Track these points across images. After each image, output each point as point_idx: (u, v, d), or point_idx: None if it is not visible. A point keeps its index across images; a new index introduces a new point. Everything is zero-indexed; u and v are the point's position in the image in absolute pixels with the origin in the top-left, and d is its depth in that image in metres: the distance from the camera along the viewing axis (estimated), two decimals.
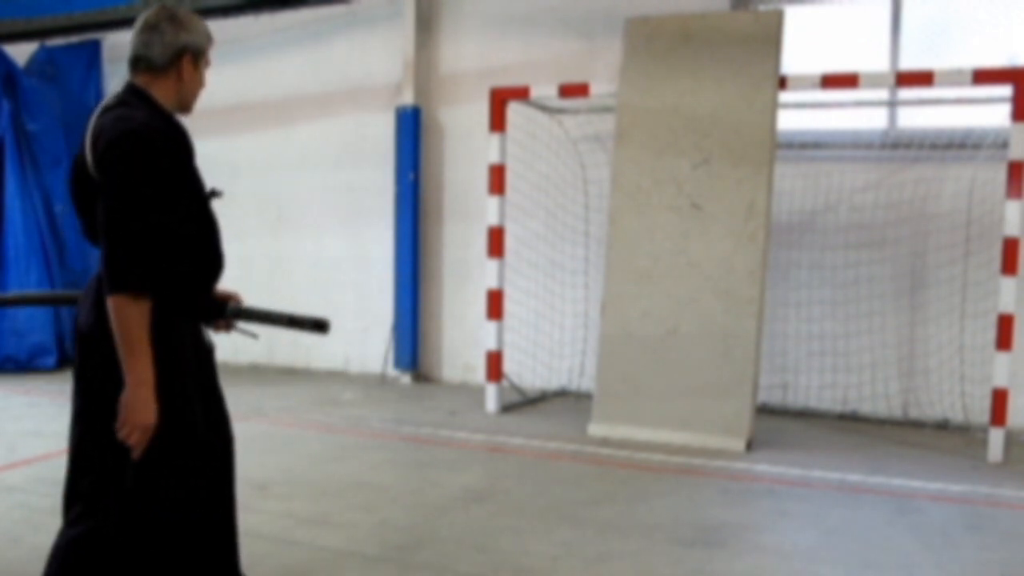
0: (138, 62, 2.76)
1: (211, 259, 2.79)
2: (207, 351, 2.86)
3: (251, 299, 3.00)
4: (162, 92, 2.75)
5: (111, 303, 2.49)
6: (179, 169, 2.64)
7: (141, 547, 2.62)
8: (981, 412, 6.32)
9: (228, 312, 2.88)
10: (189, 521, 2.70)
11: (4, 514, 4.59)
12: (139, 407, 2.49)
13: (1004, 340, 5.86)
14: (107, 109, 2.67)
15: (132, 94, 2.73)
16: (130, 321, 2.49)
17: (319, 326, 2.95)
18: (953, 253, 6.81)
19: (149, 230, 2.49)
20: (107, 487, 2.59)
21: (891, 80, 6.39)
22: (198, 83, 2.84)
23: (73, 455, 2.70)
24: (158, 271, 2.53)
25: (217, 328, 2.94)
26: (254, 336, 2.98)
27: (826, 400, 7.15)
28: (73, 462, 2.70)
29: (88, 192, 2.64)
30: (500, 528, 4.46)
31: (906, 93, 6.89)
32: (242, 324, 2.97)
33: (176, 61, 2.74)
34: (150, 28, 2.73)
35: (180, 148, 2.67)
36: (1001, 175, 5.96)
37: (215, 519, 2.83)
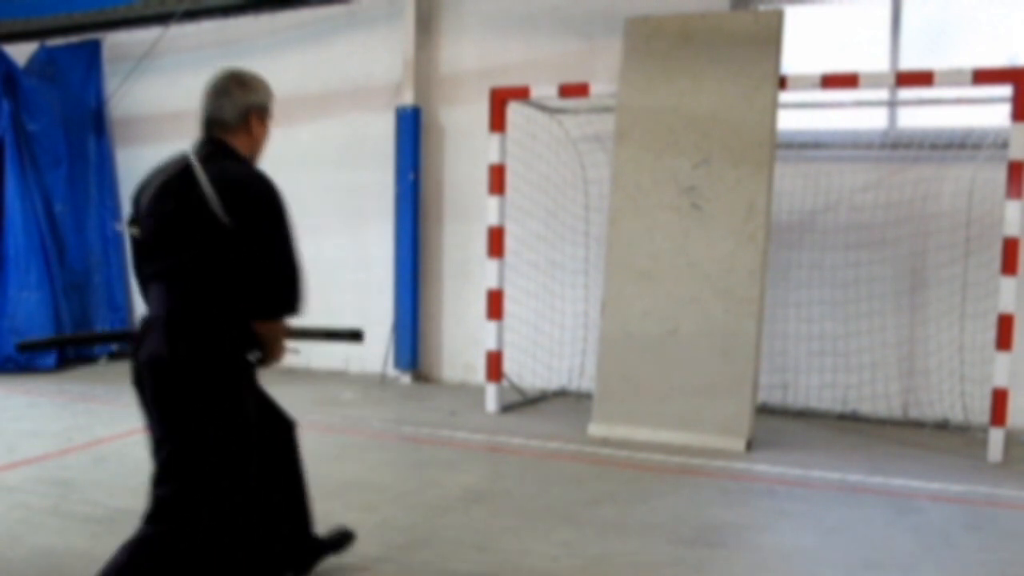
0: (213, 124, 3.13)
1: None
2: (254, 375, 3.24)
3: None
4: (237, 146, 3.14)
5: (265, 327, 3.04)
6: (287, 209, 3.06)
7: (212, 545, 2.96)
8: (981, 412, 6.32)
9: None
10: (264, 507, 3.26)
11: (4, 514, 4.59)
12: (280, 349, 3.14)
13: (1004, 340, 5.86)
14: (207, 159, 2.99)
15: (223, 147, 3.10)
16: (279, 334, 3.12)
17: (355, 336, 3.39)
18: (953, 253, 6.81)
19: (297, 262, 3.01)
20: (189, 496, 2.90)
21: (891, 80, 6.39)
22: (264, 135, 3.25)
23: (156, 471, 2.97)
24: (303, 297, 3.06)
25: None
26: (296, 352, 3.34)
27: (826, 400, 7.15)
28: (154, 477, 2.97)
29: (174, 232, 2.93)
30: (500, 528, 4.46)
31: (906, 93, 6.89)
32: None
33: (246, 119, 3.14)
34: (220, 93, 3.13)
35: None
36: (1001, 175, 5.96)
37: (286, 497, 3.48)
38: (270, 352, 3.11)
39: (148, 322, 2.97)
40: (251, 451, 3.01)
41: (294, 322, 3.18)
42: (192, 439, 2.88)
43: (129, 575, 2.86)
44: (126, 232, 3.11)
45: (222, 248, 2.89)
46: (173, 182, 2.96)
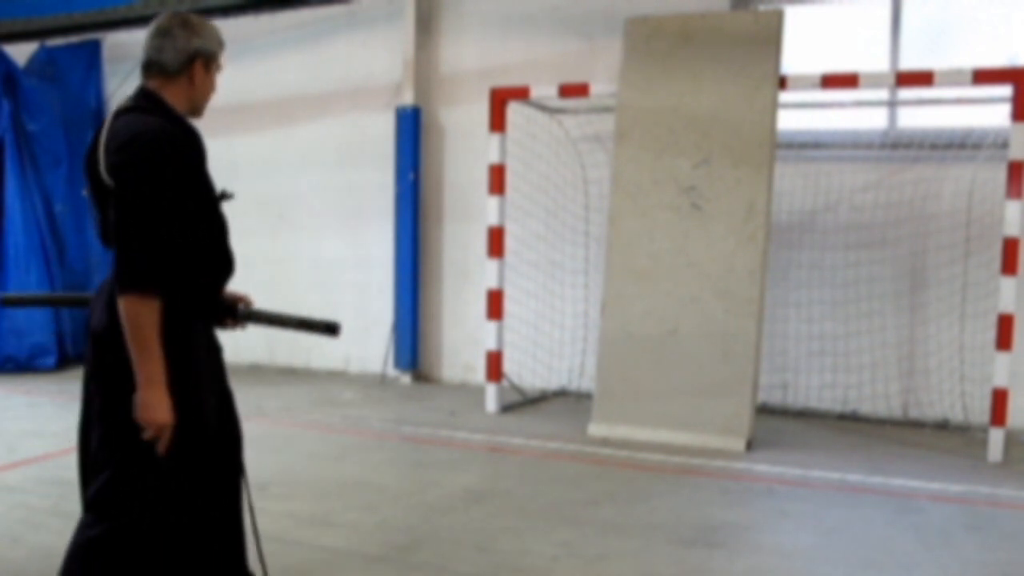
0: (150, 67, 2.79)
1: (221, 260, 2.84)
2: (217, 351, 2.92)
3: (252, 299, 3.03)
4: (174, 96, 2.79)
5: (122, 303, 2.53)
6: (190, 172, 2.68)
7: (156, 546, 2.68)
8: (981, 412, 6.32)
9: (240, 314, 2.93)
10: (202, 519, 2.78)
11: (4, 514, 4.59)
12: (153, 405, 2.55)
13: (1004, 340, 5.86)
14: (120, 113, 2.70)
15: (145, 98, 2.76)
16: (140, 319, 2.53)
17: (330, 329, 2.98)
18: (953, 253, 6.81)
19: (160, 232, 2.54)
20: (124, 486, 2.67)
21: (891, 80, 6.39)
22: (209, 87, 2.89)
23: (90, 454, 2.79)
24: (169, 272, 2.58)
25: (225, 327, 2.97)
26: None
27: (826, 400, 7.15)
28: (89, 461, 2.79)
29: (102, 194, 2.66)
30: (500, 528, 4.46)
31: (906, 93, 6.89)
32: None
33: (188, 66, 2.79)
34: (163, 33, 2.78)
35: (192, 151, 2.71)
36: (1001, 175, 5.96)
37: (224, 516, 2.91)
38: (130, 340, 2.55)
39: (99, 289, 2.76)
40: (194, 436, 2.67)
41: (257, 304, 2.97)
42: (126, 419, 2.61)
43: None
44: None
45: (113, 212, 2.57)
46: (93, 141, 2.70)
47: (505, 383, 7.42)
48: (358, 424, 6.72)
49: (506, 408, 7.22)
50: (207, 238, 2.76)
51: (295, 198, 8.95)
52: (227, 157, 9.23)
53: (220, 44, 2.94)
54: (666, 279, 6.41)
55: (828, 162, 7.10)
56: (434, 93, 8.45)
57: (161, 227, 2.55)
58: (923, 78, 6.01)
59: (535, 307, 8.00)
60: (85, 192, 2.79)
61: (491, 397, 7.16)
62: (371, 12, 8.58)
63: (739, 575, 3.95)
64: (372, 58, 8.62)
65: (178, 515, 2.70)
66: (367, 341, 8.65)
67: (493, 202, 7.08)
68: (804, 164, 7.09)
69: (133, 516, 2.66)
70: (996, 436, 5.85)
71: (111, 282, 2.65)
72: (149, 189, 2.54)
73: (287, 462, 5.60)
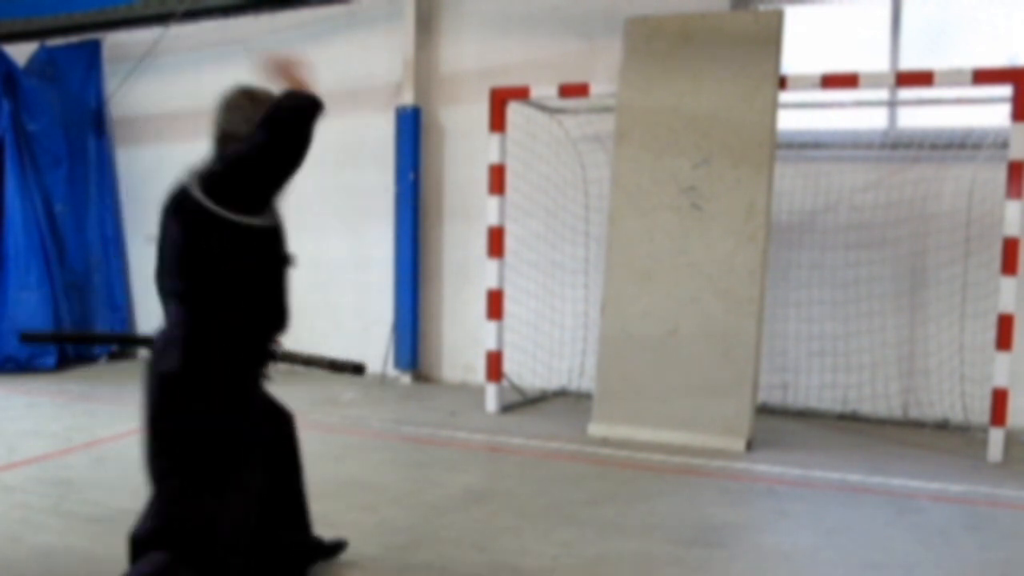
0: (225, 139, 3.17)
1: (280, 316, 3.27)
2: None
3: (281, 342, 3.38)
4: None
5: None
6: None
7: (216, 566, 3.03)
8: (981, 412, 6.32)
9: (276, 356, 3.32)
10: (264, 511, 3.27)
11: (4, 514, 4.59)
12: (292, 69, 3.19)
13: (1004, 340, 5.86)
14: (184, 190, 3.03)
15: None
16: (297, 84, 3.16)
17: (357, 370, 3.50)
18: (953, 253, 6.80)
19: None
20: (190, 509, 2.99)
21: (891, 80, 6.39)
22: None
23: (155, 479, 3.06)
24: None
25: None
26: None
27: (826, 400, 7.15)
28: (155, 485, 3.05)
29: (176, 257, 3.03)
30: (500, 528, 4.46)
31: (906, 93, 6.89)
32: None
33: None
34: (232, 108, 3.19)
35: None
36: (1001, 175, 5.96)
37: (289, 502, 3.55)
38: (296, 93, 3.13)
39: (163, 334, 3.06)
40: (251, 463, 3.11)
41: (299, 349, 3.33)
42: (196, 451, 2.96)
43: None
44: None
45: (216, 272, 2.97)
46: (171, 203, 3.05)
47: (505, 383, 7.42)
48: (358, 424, 6.72)
49: (506, 408, 7.22)
50: (272, 295, 3.19)
51: (295, 198, 8.89)
52: None
53: None
54: (666, 279, 6.41)
55: (828, 162, 7.10)
56: (434, 93, 8.45)
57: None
58: (923, 78, 6.01)
59: (535, 307, 8.00)
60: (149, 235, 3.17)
61: (491, 397, 7.16)
62: (371, 12, 8.57)
63: (739, 575, 3.95)
64: (372, 58, 8.62)
65: (237, 536, 3.07)
66: (367, 341, 8.65)
67: (493, 202, 7.08)
68: (804, 164, 7.09)
69: (201, 539, 2.98)
70: (996, 436, 5.85)
71: (185, 328, 2.99)
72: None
73: None
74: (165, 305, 3.15)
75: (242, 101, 3.17)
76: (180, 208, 3.01)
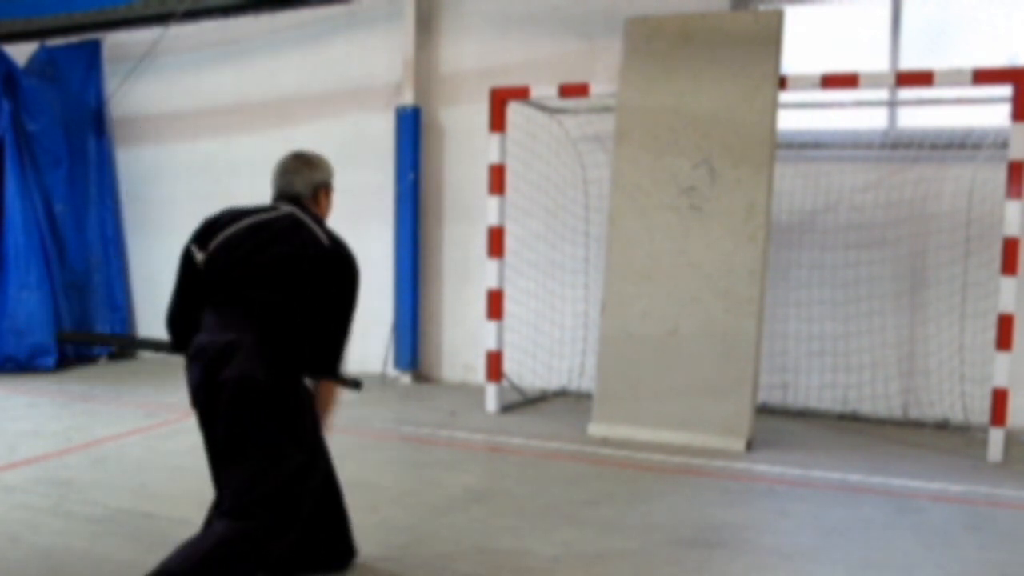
0: (286, 198, 3.55)
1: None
2: None
3: None
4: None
5: (328, 383, 3.53)
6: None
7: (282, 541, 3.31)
8: (981, 412, 6.32)
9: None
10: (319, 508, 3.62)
11: (4, 514, 4.59)
12: (334, 410, 3.67)
13: (1004, 340, 5.86)
14: (298, 224, 3.42)
15: (307, 212, 3.52)
16: (336, 393, 3.62)
17: (355, 385, 3.70)
18: (953, 253, 6.81)
19: (349, 333, 3.48)
20: (275, 497, 3.25)
21: (891, 80, 6.39)
22: (330, 208, 3.73)
23: (231, 482, 3.29)
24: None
25: None
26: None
27: (826, 400, 7.15)
28: (232, 487, 3.29)
29: (274, 273, 3.32)
30: (500, 528, 4.46)
31: (906, 93, 6.89)
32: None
33: (315, 194, 3.61)
34: (291, 172, 3.57)
35: None
36: (1001, 175, 5.96)
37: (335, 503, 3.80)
38: (332, 405, 3.63)
39: (228, 343, 3.24)
40: (320, 457, 3.52)
41: None
42: (279, 447, 3.25)
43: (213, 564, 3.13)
44: (196, 256, 3.37)
45: (310, 295, 3.32)
46: (282, 227, 3.38)
47: (505, 383, 7.42)
48: (358, 424, 6.72)
49: (506, 408, 7.22)
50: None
51: None
52: (227, 157, 9.24)
53: (333, 174, 3.71)
54: (666, 279, 6.41)
55: (828, 162, 7.10)
56: (434, 93, 8.45)
57: (350, 328, 3.48)
58: (923, 78, 6.01)
59: (535, 307, 8.00)
60: (200, 255, 3.35)
61: (491, 397, 7.16)
62: (371, 12, 8.58)
63: (739, 575, 3.95)
64: (372, 58, 8.62)
65: (300, 515, 3.37)
66: (367, 341, 8.65)
67: (493, 202, 7.08)
68: (804, 164, 7.09)
69: (274, 515, 3.25)
70: (996, 436, 5.85)
71: (258, 337, 3.24)
72: (355, 301, 3.47)
73: None
74: (206, 313, 3.36)
75: (300, 167, 3.58)
76: (293, 241, 3.36)
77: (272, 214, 3.44)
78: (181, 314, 3.44)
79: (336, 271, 3.40)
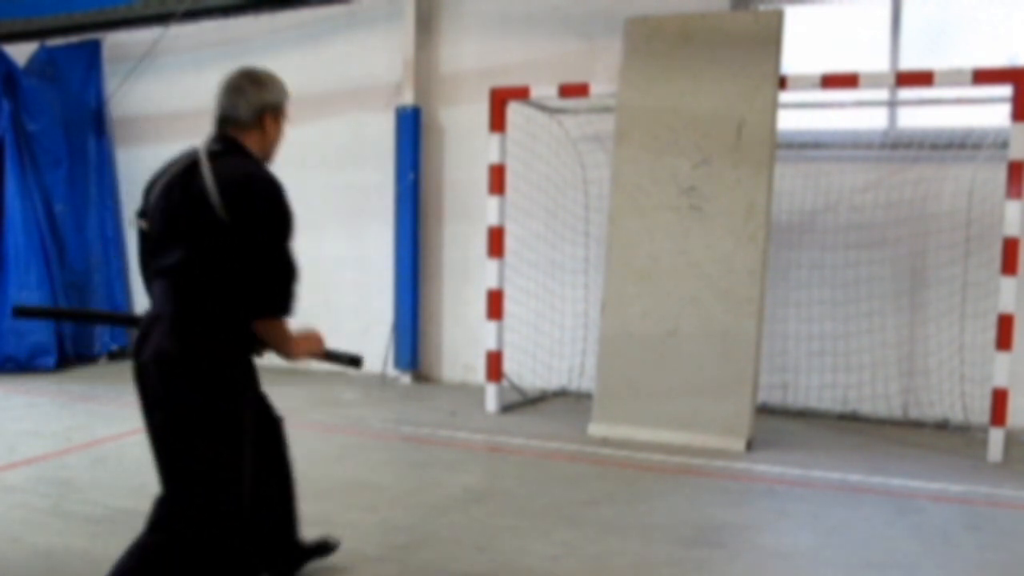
0: (227, 121, 3.10)
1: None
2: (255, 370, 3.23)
3: None
4: (249, 145, 3.10)
5: (270, 325, 3.00)
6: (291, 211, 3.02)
7: (207, 555, 2.94)
8: (981, 412, 6.32)
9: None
10: (255, 511, 3.13)
11: (4, 514, 4.59)
12: (310, 348, 3.26)
13: (1004, 340, 5.85)
14: (215, 156, 2.97)
15: (234, 144, 3.07)
16: (285, 334, 3.06)
17: (354, 361, 3.43)
18: (953, 253, 6.80)
19: (293, 262, 2.96)
20: (187, 498, 2.92)
21: (891, 80, 6.39)
22: (279, 136, 3.22)
23: (163, 466, 2.97)
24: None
25: (259, 355, 3.21)
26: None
27: (826, 400, 7.15)
28: (163, 472, 2.97)
29: (178, 230, 2.91)
30: (500, 528, 4.46)
31: (906, 93, 6.89)
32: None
33: (260, 118, 3.11)
34: (235, 90, 3.11)
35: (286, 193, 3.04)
36: (1001, 175, 5.96)
37: (274, 497, 3.48)
38: (281, 351, 3.11)
39: (152, 318, 2.95)
40: (247, 451, 2.99)
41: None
42: (193, 438, 2.86)
43: None
44: (134, 225, 3.11)
45: (221, 246, 2.86)
46: (179, 177, 2.95)
47: (505, 383, 7.42)
48: (358, 424, 6.72)
49: (506, 408, 7.22)
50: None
51: (295, 198, 8.84)
52: None
53: (286, 95, 3.22)
54: (666, 279, 6.41)
55: (828, 162, 7.10)
56: (434, 93, 8.45)
57: (291, 260, 2.95)
58: (923, 78, 6.01)
59: (535, 307, 8.00)
60: (140, 223, 3.06)
61: (491, 397, 7.16)
62: (371, 12, 8.58)
63: (739, 575, 3.95)
64: (372, 58, 8.62)
65: (231, 522, 2.96)
66: (367, 341, 8.64)
67: (493, 202, 7.08)
68: (804, 164, 7.09)
69: (196, 521, 2.91)
70: (996, 436, 5.85)
71: (175, 309, 2.89)
72: (283, 228, 2.93)
73: None
74: (150, 288, 3.07)
75: (245, 85, 3.11)
76: (188, 190, 2.90)
77: (180, 164, 3.01)
78: (147, 289, 3.14)
79: (240, 207, 2.85)
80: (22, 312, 3.83)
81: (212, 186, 2.85)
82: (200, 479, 2.89)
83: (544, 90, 7.02)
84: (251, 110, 3.07)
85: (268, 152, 3.18)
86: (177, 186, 2.94)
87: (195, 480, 2.89)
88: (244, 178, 2.92)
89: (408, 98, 8.29)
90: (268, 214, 2.91)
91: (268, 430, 3.41)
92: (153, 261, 3.02)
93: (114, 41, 9.61)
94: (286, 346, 3.09)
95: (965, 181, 6.73)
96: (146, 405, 2.95)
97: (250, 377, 3.09)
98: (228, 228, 2.83)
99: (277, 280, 2.93)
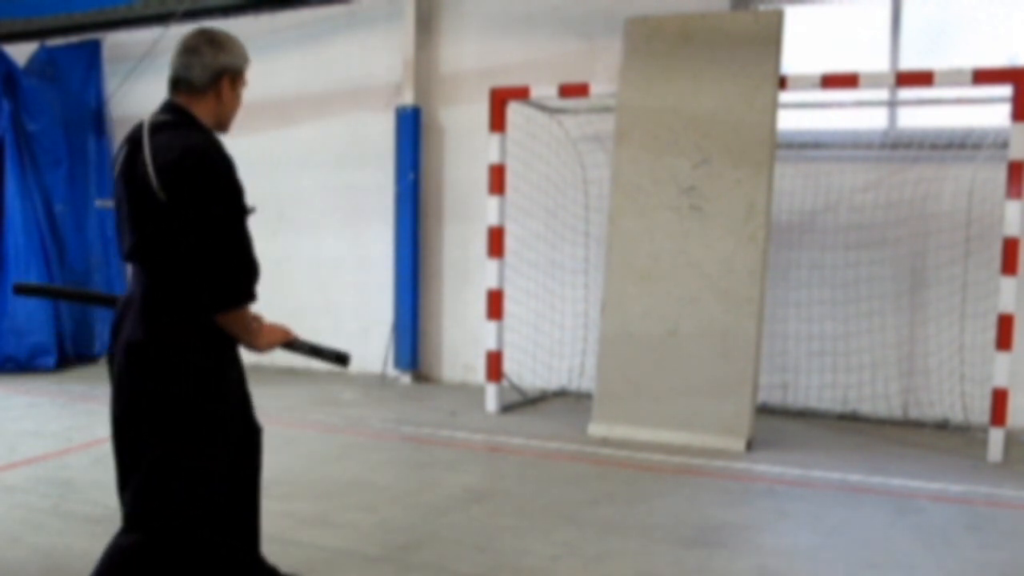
0: (178, 83, 2.84)
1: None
2: (240, 362, 3.04)
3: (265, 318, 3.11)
4: (202, 112, 2.85)
5: (228, 315, 2.72)
6: (237, 186, 2.76)
7: (185, 551, 2.79)
8: (981, 412, 6.32)
9: None
10: (225, 520, 2.98)
11: (4, 514, 4.59)
12: (274, 340, 2.96)
13: (1004, 340, 5.86)
14: (157, 128, 2.74)
15: (179, 113, 2.81)
16: (245, 324, 2.80)
17: (340, 359, 3.19)
18: (953, 253, 6.81)
19: (244, 245, 2.71)
20: (156, 496, 2.73)
21: (891, 80, 6.39)
22: (236, 103, 2.94)
23: (125, 459, 2.81)
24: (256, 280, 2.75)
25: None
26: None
27: (826, 400, 7.15)
28: (124, 466, 2.81)
29: (142, 211, 2.69)
30: (500, 528, 4.46)
31: (906, 93, 6.89)
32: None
33: (215, 82, 2.84)
34: (190, 51, 2.83)
35: (232, 165, 2.77)
36: (1001, 175, 5.96)
37: (243, 514, 3.16)
38: (243, 342, 2.85)
39: (126, 302, 2.81)
40: (222, 449, 2.84)
41: (268, 307, 3.06)
42: (162, 431, 2.69)
43: None
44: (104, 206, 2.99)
45: (165, 231, 2.63)
46: (129, 156, 2.74)
47: (505, 383, 7.42)
48: (358, 424, 6.72)
49: (506, 408, 7.22)
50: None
51: (295, 198, 8.94)
52: None
53: (246, 59, 2.95)
54: (666, 279, 6.41)
55: (828, 162, 7.10)
56: (434, 93, 8.46)
57: (243, 240, 2.69)
58: (923, 78, 6.01)
59: (535, 307, 8.00)
60: (104, 204, 2.83)
61: (491, 397, 7.16)
62: (371, 12, 8.58)
63: (739, 575, 3.95)
64: (372, 58, 8.62)
65: (205, 520, 2.81)
66: (367, 341, 8.65)
67: (493, 202, 7.08)
68: (804, 164, 7.09)
69: (166, 524, 2.75)
70: (996, 436, 5.85)
71: (144, 295, 2.72)
72: (224, 205, 2.65)
73: (287, 462, 5.60)
74: (132, 267, 2.88)
75: (201, 45, 2.83)
76: (133, 168, 2.69)
77: (131, 140, 2.79)
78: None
79: (177, 185, 2.61)
80: (22, 289, 3.75)
81: (150, 163, 2.63)
82: (174, 474, 2.71)
83: (544, 90, 7.02)
84: (207, 73, 2.81)
85: (224, 121, 2.93)
86: (125, 165, 2.74)
87: (170, 475, 2.71)
88: (181, 153, 2.64)
89: (408, 98, 8.29)
90: (207, 192, 2.62)
91: (245, 437, 3.12)
92: (120, 243, 2.85)
93: (114, 41, 9.61)
94: (247, 337, 2.83)
95: (965, 181, 6.73)
96: (114, 393, 2.79)
97: (228, 369, 2.86)
98: (169, 210, 2.61)
99: (227, 266, 2.67)
